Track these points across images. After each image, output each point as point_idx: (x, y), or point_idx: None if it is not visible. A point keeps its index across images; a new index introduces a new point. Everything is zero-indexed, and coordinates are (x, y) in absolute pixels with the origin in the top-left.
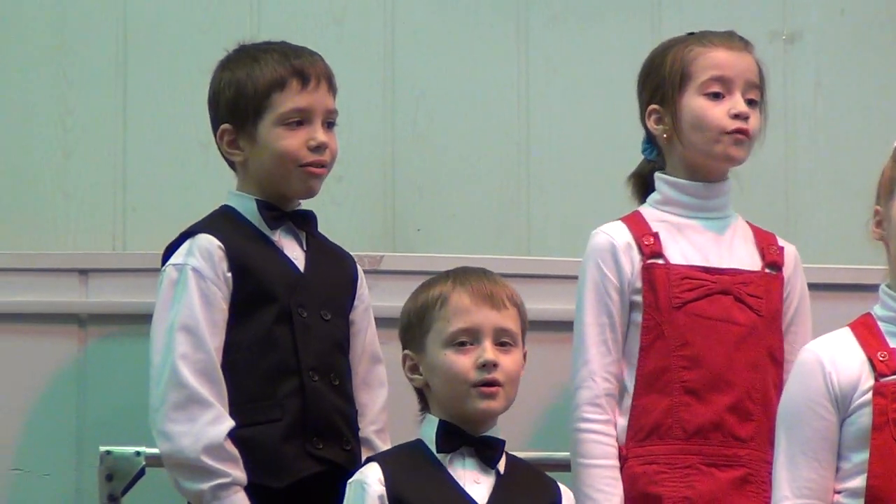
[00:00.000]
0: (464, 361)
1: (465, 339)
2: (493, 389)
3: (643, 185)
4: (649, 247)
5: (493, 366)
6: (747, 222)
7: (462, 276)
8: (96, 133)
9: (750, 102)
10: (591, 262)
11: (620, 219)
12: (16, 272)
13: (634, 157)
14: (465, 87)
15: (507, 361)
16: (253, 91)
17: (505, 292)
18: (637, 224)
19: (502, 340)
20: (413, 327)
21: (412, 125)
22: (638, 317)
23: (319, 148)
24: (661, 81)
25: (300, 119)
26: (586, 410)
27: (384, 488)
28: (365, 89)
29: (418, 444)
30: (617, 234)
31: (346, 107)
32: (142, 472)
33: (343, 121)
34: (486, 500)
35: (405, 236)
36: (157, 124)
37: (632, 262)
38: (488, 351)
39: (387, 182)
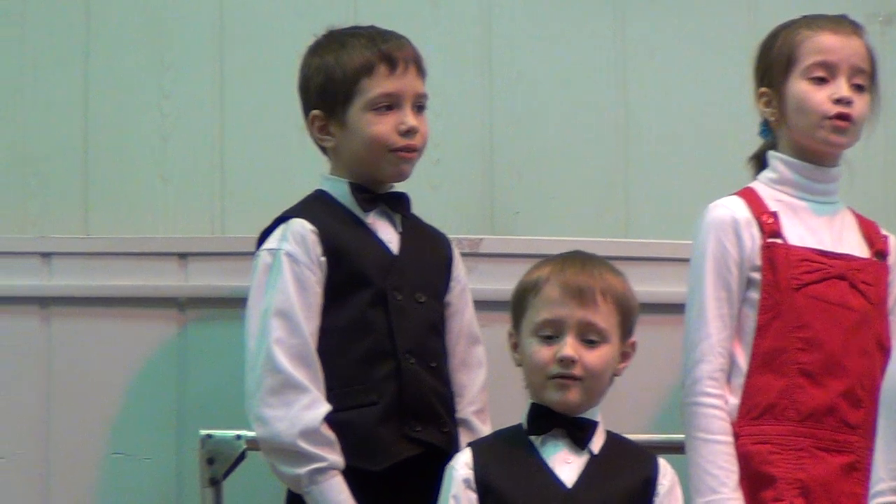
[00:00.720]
0: (545, 353)
1: (550, 332)
2: (568, 382)
3: (762, 168)
4: (769, 225)
5: (570, 361)
6: (849, 209)
7: (561, 265)
8: (194, 117)
9: (857, 88)
10: (710, 236)
11: (736, 194)
12: (116, 256)
13: (733, 138)
14: (563, 69)
15: (591, 357)
16: (342, 76)
17: (600, 286)
18: (754, 201)
19: (588, 337)
20: (515, 307)
21: (510, 107)
22: (754, 294)
23: (409, 132)
24: (770, 64)
25: (389, 104)
26: (707, 384)
27: (471, 472)
28: (462, 71)
29: (518, 428)
30: (737, 209)
31: (443, 89)
32: (242, 456)
33: (440, 103)
34: (574, 480)
35: (504, 219)
36: (255, 108)
37: (752, 238)
38: (567, 346)
39: (485, 165)
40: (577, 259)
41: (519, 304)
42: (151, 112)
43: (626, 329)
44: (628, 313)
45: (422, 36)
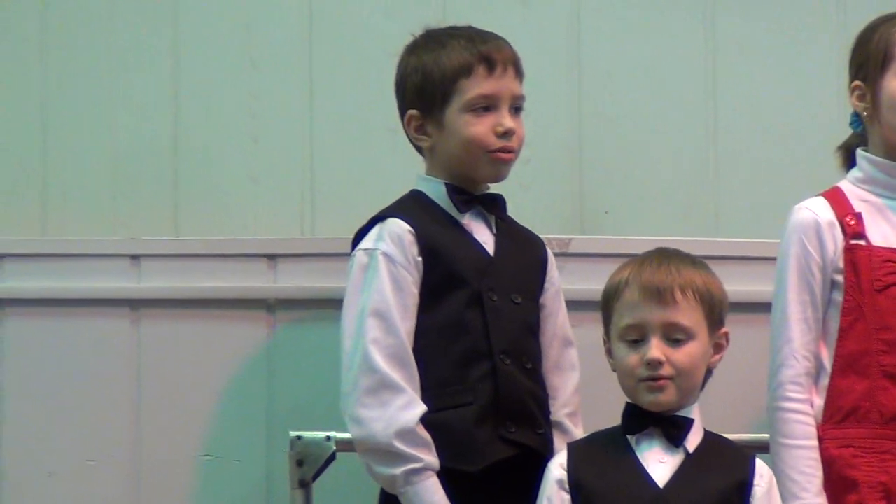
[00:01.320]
0: (633, 358)
1: (635, 336)
2: (660, 383)
3: (850, 158)
4: (852, 227)
5: (657, 363)
6: None
7: (640, 267)
8: (283, 118)
9: None
10: (794, 238)
11: (822, 194)
12: (206, 258)
13: (824, 135)
14: (652, 68)
15: (679, 356)
16: (440, 77)
17: (678, 282)
18: (839, 202)
19: (674, 336)
20: (603, 313)
21: (599, 107)
22: (838, 296)
23: (507, 134)
24: (866, 58)
25: (487, 105)
26: (789, 389)
27: (565, 473)
28: (551, 71)
29: (616, 429)
30: (820, 211)
31: (532, 89)
32: (332, 457)
33: (529, 103)
34: (667, 479)
35: (594, 219)
36: (344, 109)
37: (834, 240)
38: (653, 349)
39: (574, 164)
40: (655, 258)
41: (605, 309)
42: (241, 113)
43: (715, 321)
44: (714, 305)
45: (511, 34)
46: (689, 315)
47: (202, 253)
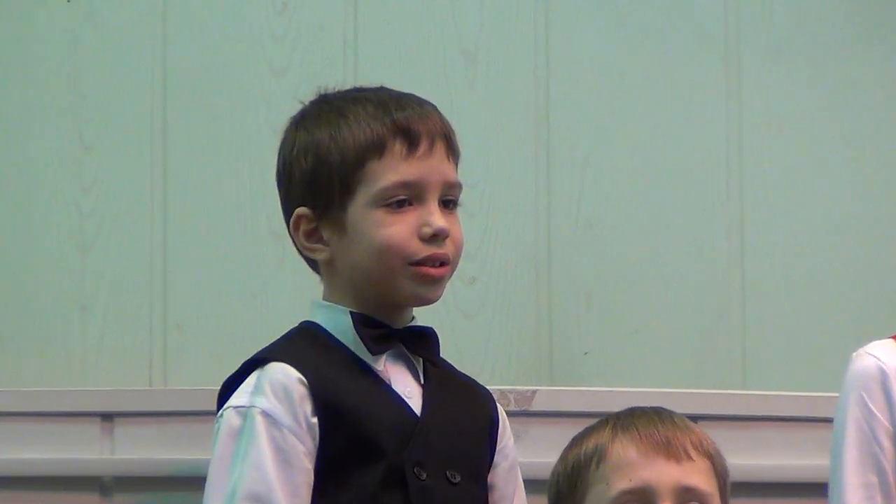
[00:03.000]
0: None
1: None
2: None
3: None
4: None
5: None
6: None
7: (626, 419)
8: (124, 217)
9: None
10: (853, 396)
11: (893, 337)
12: (16, 418)
13: (883, 244)
14: (648, 153)
15: None
16: (339, 159)
17: (689, 437)
18: None
19: None
20: (564, 497)
21: (575, 203)
22: None
23: (437, 237)
24: None
25: (407, 197)
26: None
27: None
28: (508, 150)
29: None
30: (889, 358)
31: (477, 175)
32: None
33: (477, 196)
34: None
35: (567, 362)
36: (206, 205)
37: None
38: None
39: (541, 284)
40: (641, 410)
41: (572, 488)
42: (69, 208)
43: (726, 499)
44: (725, 474)
45: (451, 105)
46: (704, 480)
47: (11, 411)
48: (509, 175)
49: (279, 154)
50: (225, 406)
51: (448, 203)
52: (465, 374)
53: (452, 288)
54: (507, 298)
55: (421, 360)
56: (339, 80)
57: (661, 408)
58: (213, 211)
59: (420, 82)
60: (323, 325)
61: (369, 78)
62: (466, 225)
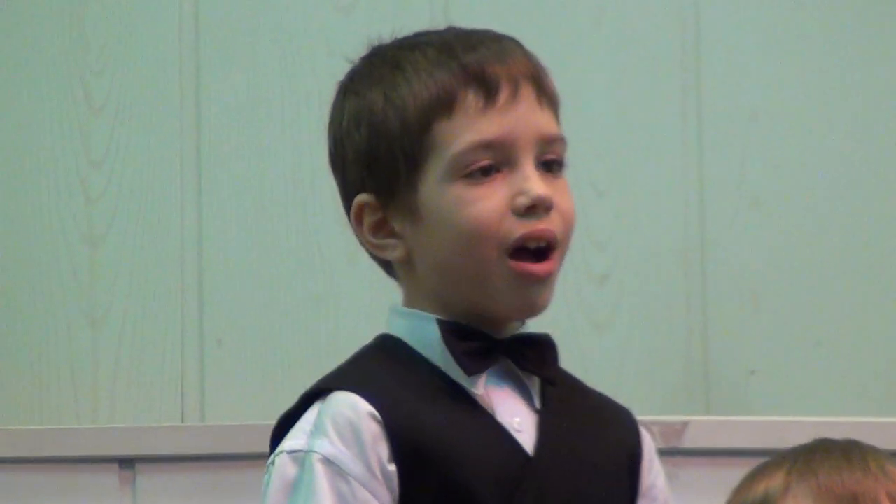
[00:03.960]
0: None
1: None
2: None
3: None
4: None
5: None
6: None
7: (806, 461)
8: (150, 201)
9: None
10: None
11: None
12: (11, 467)
13: None
14: (829, 109)
15: None
16: (399, 125)
17: (886, 488)
18: None
19: None
20: None
21: (736, 174)
22: None
23: (536, 208)
24: None
25: (493, 161)
26: None
27: None
28: (649, 105)
29: None
30: None
31: (616, 140)
32: None
33: (611, 167)
34: None
35: (728, 384)
36: (245, 180)
37: None
38: None
39: (693, 282)
40: (827, 449)
41: None
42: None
43: None
44: None
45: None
46: None
47: (5, 456)
48: (649, 140)
49: (329, 131)
50: (277, 450)
51: (549, 165)
52: (597, 392)
53: (576, 287)
54: (648, 301)
55: (535, 378)
56: (427, 18)
57: (853, 444)
58: (262, 191)
59: (530, 24)
60: (404, 337)
61: (464, 18)
62: (595, 206)
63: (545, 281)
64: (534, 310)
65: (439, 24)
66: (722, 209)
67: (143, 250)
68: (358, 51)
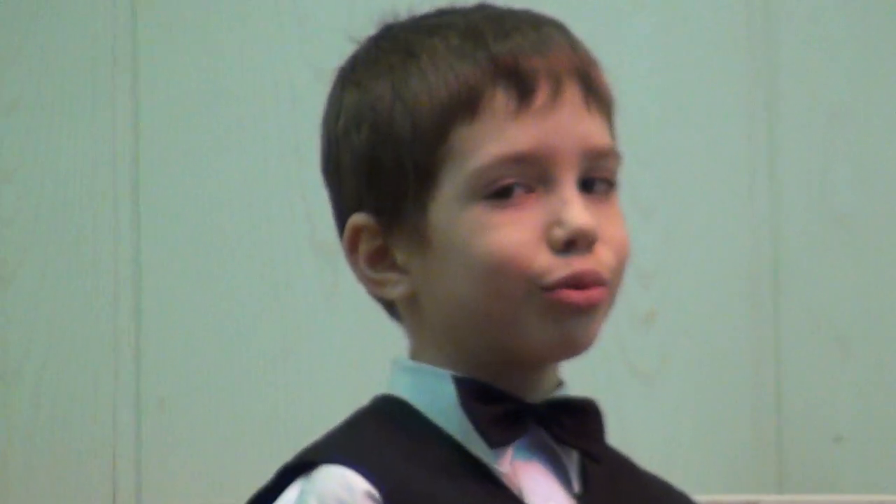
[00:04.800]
0: None
1: None
2: None
3: None
4: None
5: None
6: None
7: None
8: (73, 216)
9: None
10: None
11: None
12: None
13: None
14: None
15: None
16: (409, 128)
17: None
18: None
19: None
20: None
21: (816, 186)
22: None
23: (576, 243)
24: None
25: (524, 179)
26: None
27: None
28: (711, 102)
29: None
30: None
31: (668, 145)
32: None
33: (659, 179)
34: None
35: (808, 454)
36: (194, 193)
37: None
38: None
39: (763, 321)
40: None
41: None
42: None
43: None
44: None
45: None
46: None
47: None
48: (707, 147)
49: (322, 130)
50: None
51: (596, 184)
52: (649, 474)
53: (615, 328)
54: (705, 347)
55: (573, 453)
56: None
57: None
58: (216, 213)
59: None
60: (410, 400)
61: None
62: (639, 229)
63: (588, 313)
64: (574, 347)
65: None
66: (799, 230)
67: (65, 289)
68: (362, 29)
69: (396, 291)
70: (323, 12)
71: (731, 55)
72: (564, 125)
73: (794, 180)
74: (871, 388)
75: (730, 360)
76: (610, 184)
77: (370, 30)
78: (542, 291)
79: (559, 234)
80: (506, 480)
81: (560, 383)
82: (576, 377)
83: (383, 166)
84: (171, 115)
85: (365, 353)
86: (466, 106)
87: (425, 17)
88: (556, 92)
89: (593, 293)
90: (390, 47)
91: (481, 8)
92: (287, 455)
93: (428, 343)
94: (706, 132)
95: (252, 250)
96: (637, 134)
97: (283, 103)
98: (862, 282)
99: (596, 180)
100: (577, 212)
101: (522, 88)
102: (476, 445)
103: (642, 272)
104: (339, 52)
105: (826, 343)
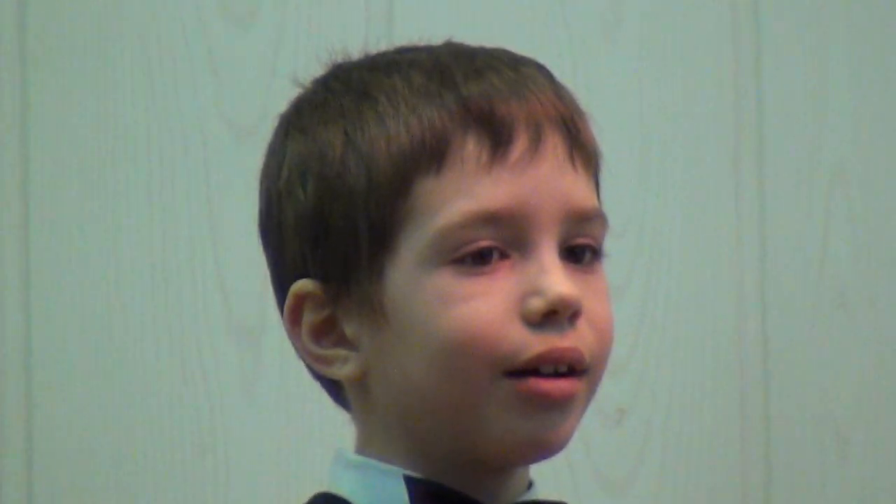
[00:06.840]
0: None
1: None
2: None
3: None
4: None
5: None
6: None
7: None
8: None
9: None
10: None
11: None
12: None
13: None
14: None
15: None
16: (364, 182)
17: None
18: None
19: None
20: None
21: (818, 247)
22: None
23: (556, 315)
24: None
25: (497, 242)
26: None
27: None
28: (693, 144)
29: None
30: None
31: (643, 199)
32: None
33: (633, 239)
34: None
35: None
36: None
37: None
38: None
39: (750, 420)
40: None
41: None
42: None
43: None
44: None
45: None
46: None
47: None
48: (686, 200)
49: (261, 185)
50: None
51: (578, 252)
52: None
53: (580, 427)
54: (685, 447)
55: None
56: (362, 37)
57: None
58: (118, 286)
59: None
60: (353, 500)
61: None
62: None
63: (562, 406)
64: (543, 448)
65: (376, 34)
66: (794, 309)
67: None
68: (306, 70)
69: (344, 371)
70: (241, 60)
71: (715, 88)
72: (544, 182)
73: (785, 247)
74: (873, 492)
75: (713, 462)
76: (595, 252)
77: (316, 71)
78: (509, 379)
79: (536, 303)
80: None
81: (530, 484)
82: (545, 481)
83: (332, 225)
84: (64, 175)
85: (294, 445)
86: (431, 155)
87: (383, 55)
88: (536, 143)
89: (567, 384)
90: (342, 88)
91: (449, 44)
92: None
93: (377, 433)
94: (685, 184)
95: (160, 334)
96: (608, 196)
97: (195, 162)
98: (862, 371)
99: (579, 248)
100: (558, 279)
101: (497, 137)
102: None
103: (612, 361)
104: (259, 104)
105: (824, 441)
